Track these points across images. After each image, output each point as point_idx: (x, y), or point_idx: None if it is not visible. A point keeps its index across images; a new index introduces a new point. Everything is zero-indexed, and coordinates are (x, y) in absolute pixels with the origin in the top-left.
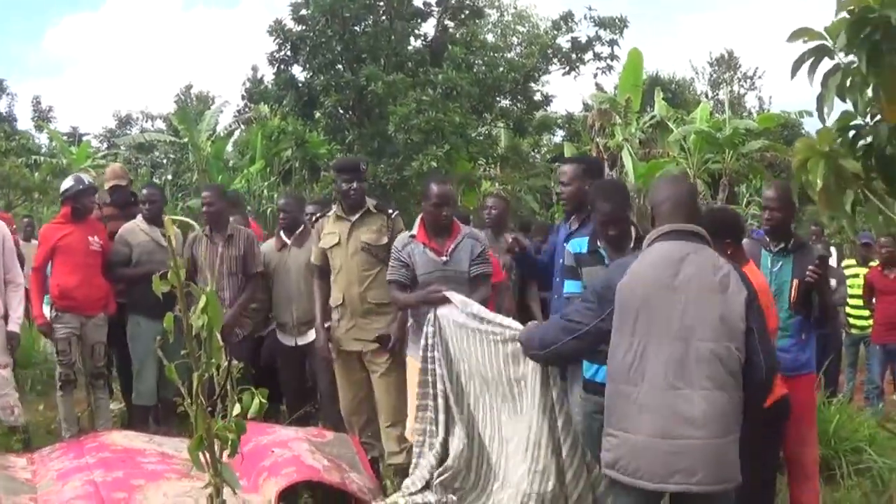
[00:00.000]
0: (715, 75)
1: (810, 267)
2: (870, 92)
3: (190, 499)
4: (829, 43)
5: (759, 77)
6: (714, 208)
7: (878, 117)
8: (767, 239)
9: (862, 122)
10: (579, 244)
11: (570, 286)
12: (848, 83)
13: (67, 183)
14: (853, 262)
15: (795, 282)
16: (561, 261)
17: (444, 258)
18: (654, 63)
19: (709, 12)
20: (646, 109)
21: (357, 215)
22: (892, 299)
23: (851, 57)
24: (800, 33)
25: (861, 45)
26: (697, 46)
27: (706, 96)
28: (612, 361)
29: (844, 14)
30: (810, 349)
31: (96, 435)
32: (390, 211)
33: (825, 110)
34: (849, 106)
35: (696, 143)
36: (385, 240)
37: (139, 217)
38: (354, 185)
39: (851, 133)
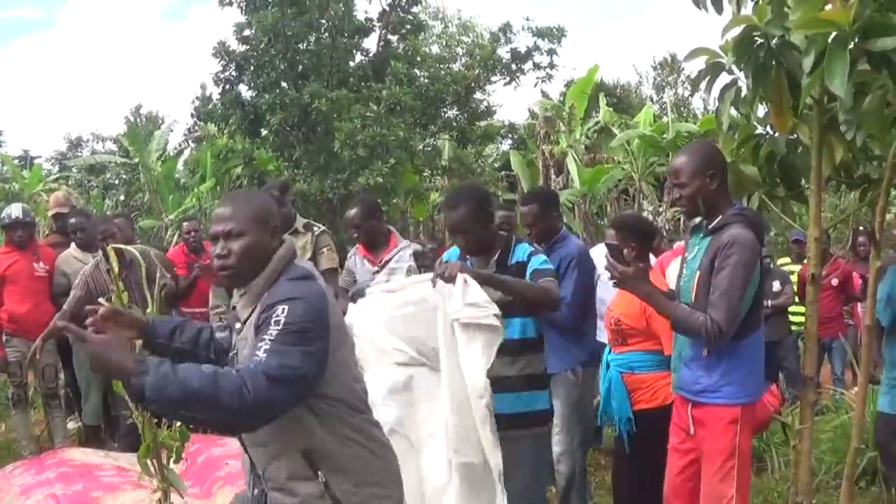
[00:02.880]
0: (659, 79)
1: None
2: (762, 105)
3: None
4: (725, 60)
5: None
6: (626, 215)
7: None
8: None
9: (763, 132)
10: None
11: None
12: (742, 98)
13: (2, 214)
14: (787, 259)
15: (697, 273)
16: None
17: (375, 268)
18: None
19: (650, 14)
20: (591, 115)
21: (285, 234)
22: (824, 295)
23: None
24: (696, 52)
25: (748, 61)
26: (641, 50)
27: (651, 100)
28: None
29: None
30: (722, 369)
31: (55, 451)
32: (315, 229)
33: (723, 122)
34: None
35: (640, 147)
36: (307, 256)
37: (73, 245)
38: (283, 209)
39: (753, 142)
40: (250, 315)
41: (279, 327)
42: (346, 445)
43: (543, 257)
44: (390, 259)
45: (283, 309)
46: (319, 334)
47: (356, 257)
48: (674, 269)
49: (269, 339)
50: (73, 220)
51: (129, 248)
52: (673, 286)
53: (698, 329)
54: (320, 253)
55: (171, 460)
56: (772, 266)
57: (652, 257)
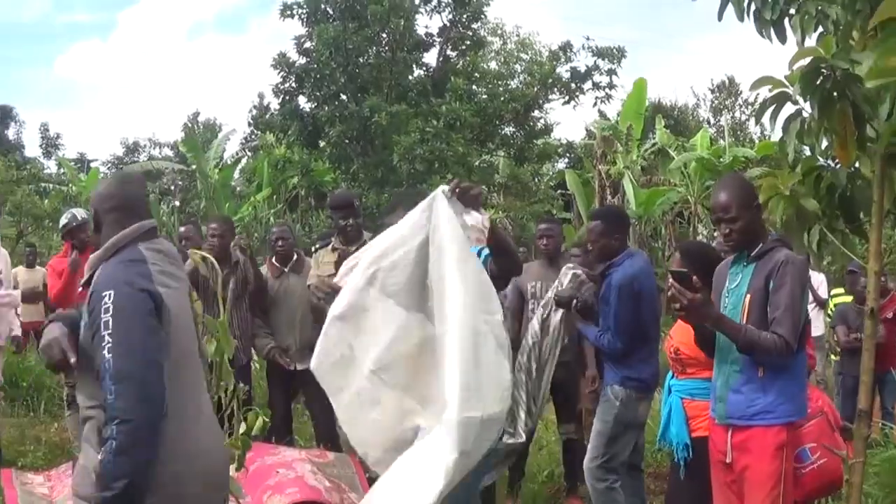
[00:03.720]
0: (716, 102)
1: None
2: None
3: None
4: (790, 90)
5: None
6: (693, 242)
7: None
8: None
9: (825, 164)
10: None
11: None
12: (805, 128)
13: (63, 220)
14: (840, 290)
15: (748, 297)
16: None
17: None
18: (657, 90)
19: (710, 37)
20: (648, 136)
21: (354, 247)
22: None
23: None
24: (762, 82)
25: (814, 93)
26: (700, 72)
27: (708, 123)
28: None
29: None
30: (778, 388)
31: None
32: None
33: (788, 153)
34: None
35: (697, 171)
36: None
37: None
38: (350, 221)
39: (815, 174)
40: None
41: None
42: None
43: None
44: None
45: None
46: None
47: None
48: None
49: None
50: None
51: (204, 254)
52: None
53: (769, 347)
54: None
55: (234, 468)
56: None
57: None
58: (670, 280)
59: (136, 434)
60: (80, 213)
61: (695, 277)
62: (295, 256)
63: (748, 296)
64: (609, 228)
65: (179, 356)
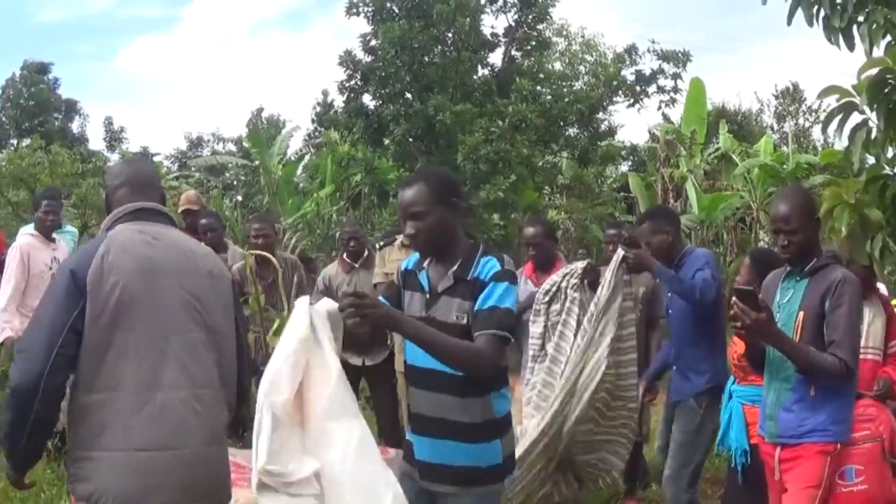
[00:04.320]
0: (780, 108)
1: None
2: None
3: None
4: (857, 99)
5: (824, 111)
6: (765, 249)
7: None
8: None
9: (890, 173)
10: None
11: None
12: (872, 139)
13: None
14: None
15: (801, 314)
16: None
17: (537, 289)
18: (721, 94)
19: (775, 43)
20: (711, 141)
21: None
22: None
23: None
24: (830, 91)
25: (881, 103)
26: (764, 78)
27: (771, 129)
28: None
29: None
30: (830, 408)
31: None
32: None
33: (854, 162)
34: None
35: (760, 177)
36: None
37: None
38: None
39: (880, 183)
40: None
41: None
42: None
43: (504, 287)
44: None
45: None
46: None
47: (520, 279)
48: None
49: None
50: (204, 221)
51: (267, 253)
52: None
53: (829, 369)
54: None
55: None
56: None
57: None
58: (734, 298)
59: (10, 398)
60: None
61: (760, 296)
62: (366, 253)
63: (801, 313)
64: (657, 225)
65: (128, 338)
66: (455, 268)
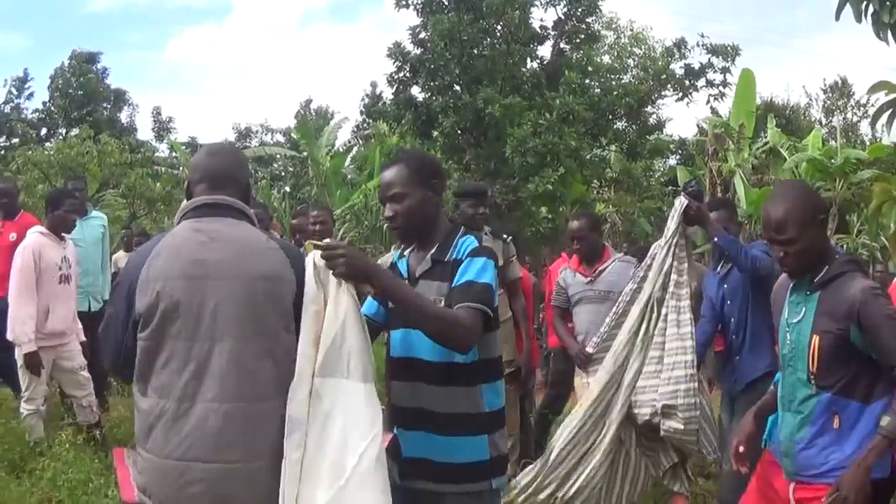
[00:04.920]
0: (828, 102)
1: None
2: None
3: None
4: None
5: (873, 105)
6: None
7: None
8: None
9: None
10: None
11: None
12: None
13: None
14: None
15: (815, 339)
16: None
17: (589, 278)
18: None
19: (823, 37)
20: (759, 135)
21: None
22: None
23: None
24: (879, 87)
25: None
26: (812, 72)
27: (820, 123)
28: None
29: None
30: (856, 440)
31: None
32: (504, 236)
33: None
34: None
35: (808, 171)
36: (500, 263)
37: None
38: (480, 210)
39: None
40: None
41: None
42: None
43: (482, 262)
44: (604, 269)
45: None
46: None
47: (566, 271)
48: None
49: None
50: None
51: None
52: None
53: None
54: (510, 262)
55: None
56: None
57: None
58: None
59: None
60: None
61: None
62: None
63: (815, 338)
64: (730, 215)
65: (175, 346)
66: (433, 251)
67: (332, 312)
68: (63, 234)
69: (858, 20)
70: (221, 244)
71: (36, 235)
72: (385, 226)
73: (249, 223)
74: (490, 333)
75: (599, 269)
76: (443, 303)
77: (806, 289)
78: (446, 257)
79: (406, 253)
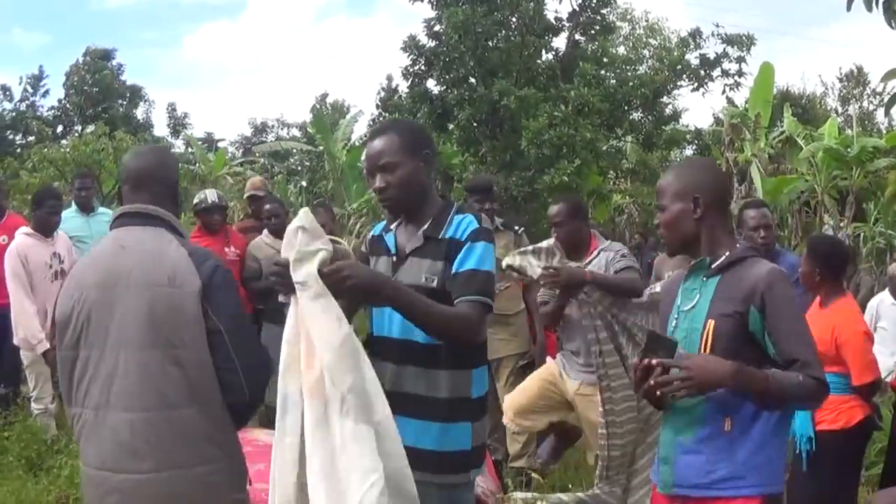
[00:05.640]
0: (844, 91)
1: None
2: None
3: None
4: None
5: (888, 93)
6: (821, 238)
7: None
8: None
9: None
10: None
11: None
12: None
13: (197, 198)
14: None
15: (710, 323)
16: None
17: None
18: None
19: (839, 25)
20: (775, 125)
21: None
22: None
23: None
24: (893, 74)
25: None
26: (828, 61)
27: (836, 112)
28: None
29: None
30: (750, 448)
31: (240, 431)
32: (516, 228)
33: None
34: None
35: (824, 160)
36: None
37: (265, 231)
38: (486, 205)
39: None
40: None
41: None
42: None
43: (482, 247)
44: (589, 263)
45: None
46: None
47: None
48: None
49: None
50: (268, 206)
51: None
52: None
53: (807, 395)
54: None
55: None
56: None
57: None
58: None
59: None
60: (212, 194)
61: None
62: None
63: (710, 322)
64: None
65: (90, 355)
66: (426, 227)
67: (323, 340)
68: (53, 230)
69: (869, 9)
70: (130, 253)
71: (21, 237)
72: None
73: (168, 227)
74: None
75: (586, 262)
76: (435, 282)
77: (702, 274)
78: (440, 234)
79: (392, 227)
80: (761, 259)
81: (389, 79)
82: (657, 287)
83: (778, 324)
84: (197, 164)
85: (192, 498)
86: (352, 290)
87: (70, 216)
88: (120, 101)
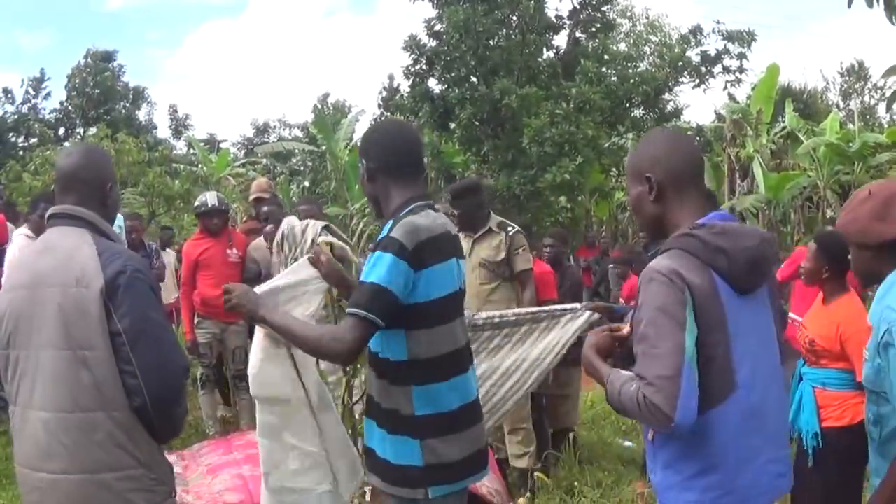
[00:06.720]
0: (845, 86)
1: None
2: None
3: None
4: None
5: (890, 88)
6: (833, 234)
7: None
8: None
9: None
10: None
11: None
12: None
13: (197, 202)
14: None
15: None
16: None
17: None
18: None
19: (840, 20)
20: (777, 120)
21: (479, 233)
22: None
23: None
24: (894, 70)
25: None
26: (829, 56)
27: (837, 107)
28: None
29: None
30: (661, 460)
31: (244, 433)
32: (510, 228)
33: None
34: None
35: (826, 155)
36: (502, 256)
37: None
38: (457, 212)
39: None
40: None
41: None
42: None
43: (376, 257)
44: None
45: None
46: None
47: None
48: None
49: None
50: (265, 209)
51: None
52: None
53: (633, 407)
54: (516, 253)
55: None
56: None
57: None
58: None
59: None
60: (212, 198)
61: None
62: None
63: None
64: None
65: (18, 355)
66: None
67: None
68: None
69: (870, 6)
70: (50, 254)
71: (21, 238)
72: None
73: (91, 228)
74: (419, 332)
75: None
76: None
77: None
78: (382, 234)
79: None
80: (673, 252)
81: (391, 78)
82: None
83: (636, 328)
84: (199, 166)
85: (102, 503)
86: (232, 310)
87: None
88: (122, 103)
